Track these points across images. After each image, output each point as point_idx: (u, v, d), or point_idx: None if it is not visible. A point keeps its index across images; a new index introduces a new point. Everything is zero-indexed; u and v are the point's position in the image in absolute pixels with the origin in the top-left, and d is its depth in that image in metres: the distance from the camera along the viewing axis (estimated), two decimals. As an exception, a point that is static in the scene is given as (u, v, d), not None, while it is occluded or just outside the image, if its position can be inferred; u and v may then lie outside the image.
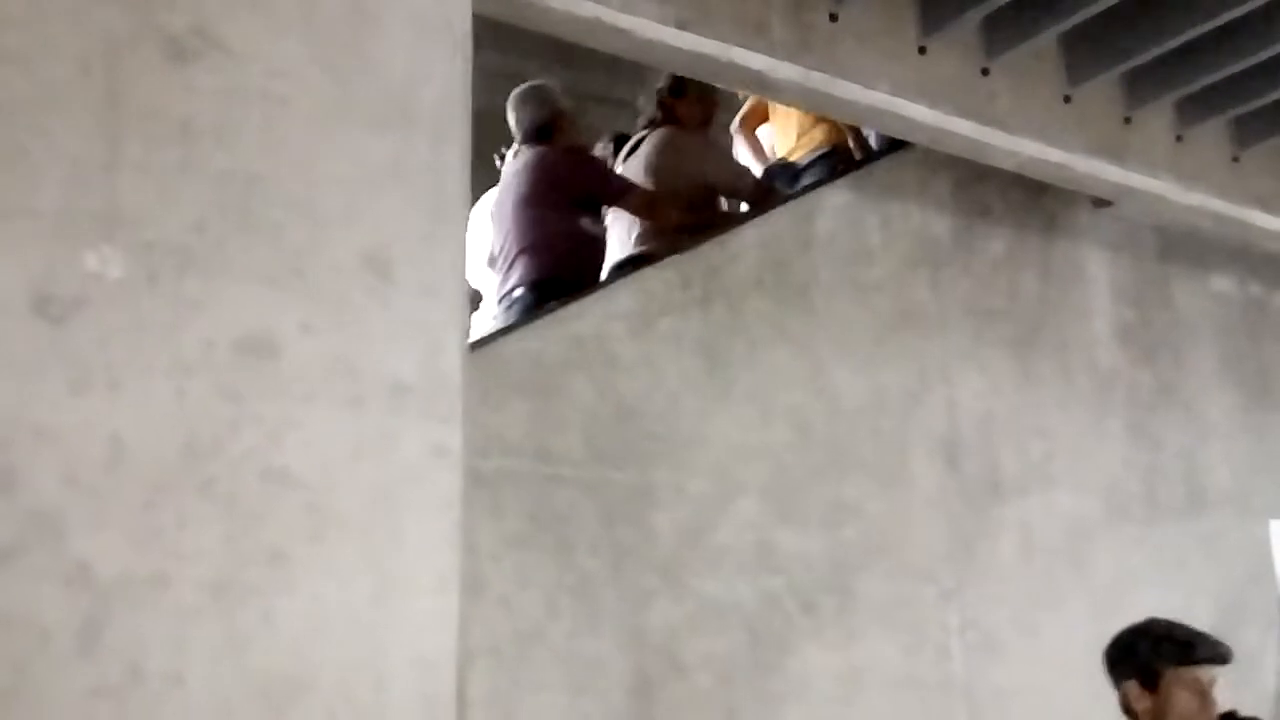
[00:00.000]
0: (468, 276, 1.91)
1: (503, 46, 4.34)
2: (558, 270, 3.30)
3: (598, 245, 3.51)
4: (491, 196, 3.69)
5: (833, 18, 3.03)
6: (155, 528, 1.61)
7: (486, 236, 3.58)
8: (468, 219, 1.94)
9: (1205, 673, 2.40)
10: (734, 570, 3.00)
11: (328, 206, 1.82)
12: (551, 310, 2.99)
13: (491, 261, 3.55)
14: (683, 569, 2.92)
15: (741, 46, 2.91)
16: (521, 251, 3.40)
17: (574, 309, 2.96)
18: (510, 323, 3.16)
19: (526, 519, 2.71)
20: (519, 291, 3.37)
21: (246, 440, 1.67)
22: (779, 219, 3.33)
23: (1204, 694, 2.39)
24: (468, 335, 1.90)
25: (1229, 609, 3.88)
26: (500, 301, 3.45)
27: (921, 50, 3.18)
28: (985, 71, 3.30)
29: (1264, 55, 3.34)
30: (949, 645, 3.35)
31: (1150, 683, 2.42)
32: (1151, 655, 2.44)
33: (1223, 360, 4.30)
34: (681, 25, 2.81)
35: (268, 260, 1.75)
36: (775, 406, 3.17)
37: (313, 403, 1.72)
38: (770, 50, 2.95)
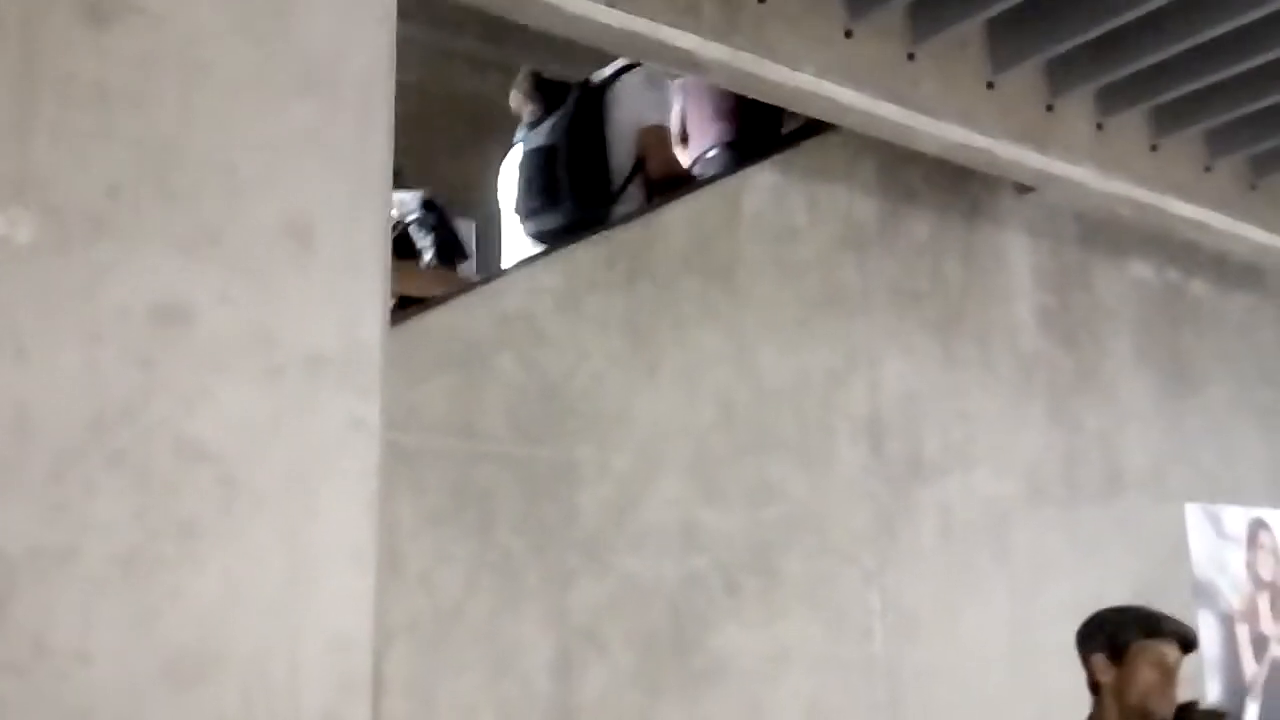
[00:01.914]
0: (388, 246, 1.89)
1: (434, 21, 4.30)
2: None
3: None
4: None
5: (761, 0, 3.04)
6: (63, 499, 1.57)
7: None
8: (390, 190, 1.91)
9: (1170, 650, 2.48)
10: (657, 549, 3.00)
11: (247, 174, 1.78)
12: (475, 285, 2.97)
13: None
14: (606, 547, 2.92)
15: (671, 25, 2.90)
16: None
17: (499, 284, 2.94)
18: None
19: (448, 495, 2.68)
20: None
21: (158, 410, 1.63)
22: (706, 198, 3.33)
23: (1167, 670, 2.48)
24: (388, 307, 1.87)
25: (1145, 591, 3.95)
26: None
27: (848, 34, 3.19)
28: (911, 56, 3.32)
29: (1183, 46, 3.40)
30: (871, 625, 3.39)
31: (1116, 655, 2.51)
32: (1119, 628, 2.52)
33: (1141, 345, 4.39)
34: (611, 2, 2.79)
35: (184, 227, 1.71)
36: (700, 385, 3.17)
37: (228, 373, 1.68)
38: (699, 30, 2.94)
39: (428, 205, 3.83)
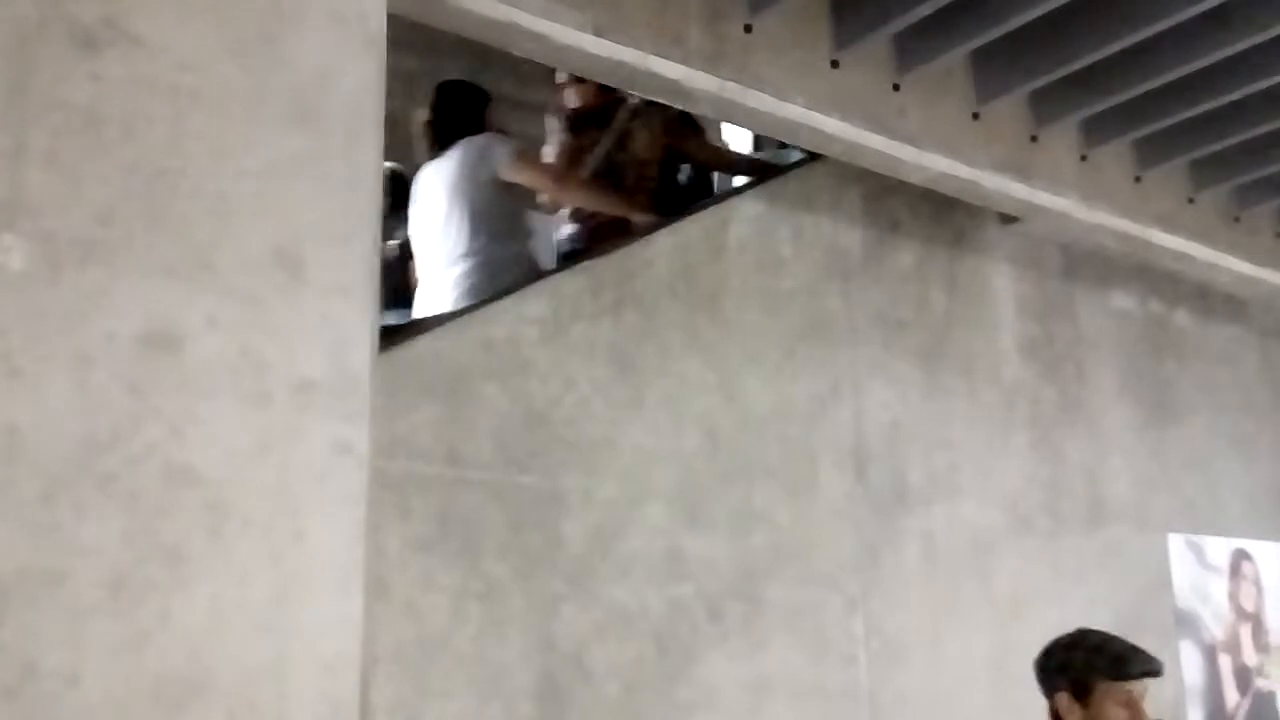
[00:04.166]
0: (377, 273, 1.90)
1: (420, 49, 4.33)
2: None
3: None
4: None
5: (747, 29, 3.07)
6: (52, 522, 1.57)
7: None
8: (380, 217, 1.93)
9: (1137, 686, 2.46)
10: (642, 577, 3.01)
11: (237, 200, 1.80)
12: (462, 313, 2.99)
13: None
14: (591, 575, 2.92)
15: (659, 55, 2.93)
16: None
17: (486, 313, 2.95)
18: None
19: (433, 522, 2.69)
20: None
21: (148, 435, 1.64)
22: (692, 227, 3.36)
23: (1134, 707, 2.44)
24: (377, 334, 1.88)
25: (1127, 620, 3.98)
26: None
27: (834, 64, 3.23)
28: (896, 87, 3.36)
29: (1167, 79, 3.45)
30: (854, 653, 3.40)
31: (1082, 694, 2.47)
32: (1085, 667, 2.48)
33: (1124, 376, 4.42)
34: (599, 32, 2.82)
35: (174, 253, 1.72)
36: (685, 414, 3.19)
37: (217, 398, 1.69)
38: (686, 60, 2.97)
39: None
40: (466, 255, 3.57)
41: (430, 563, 2.67)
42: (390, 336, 2.71)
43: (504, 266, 3.50)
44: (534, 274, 3.36)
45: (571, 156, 3.82)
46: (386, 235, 3.63)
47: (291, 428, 1.73)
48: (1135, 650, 2.51)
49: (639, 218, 3.63)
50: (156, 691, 1.61)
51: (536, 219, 3.92)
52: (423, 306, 3.60)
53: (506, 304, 2.97)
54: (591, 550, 2.94)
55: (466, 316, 2.95)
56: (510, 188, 3.63)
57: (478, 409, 2.82)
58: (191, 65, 1.83)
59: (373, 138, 1.93)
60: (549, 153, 3.92)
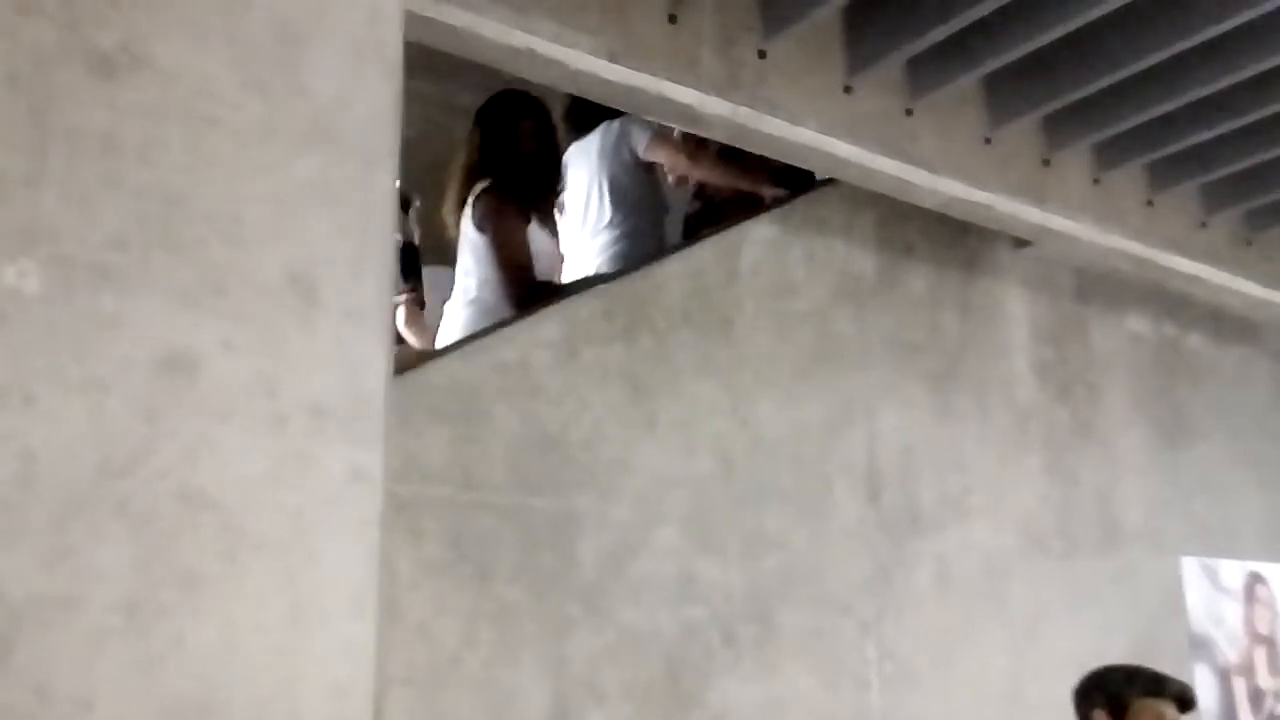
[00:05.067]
0: (392, 297, 1.91)
1: (437, 75, 4.35)
2: None
3: None
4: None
5: (761, 54, 3.08)
6: (67, 547, 1.58)
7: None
8: (394, 243, 1.94)
9: (1169, 709, 2.50)
10: (655, 600, 3.01)
11: (252, 226, 1.81)
12: (476, 337, 3.00)
13: None
14: (603, 598, 2.92)
15: (672, 81, 2.95)
16: None
17: (499, 336, 2.96)
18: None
19: (446, 546, 2.69)
20: None
21: (162, 459, 1.65)
22: (705, 251, 3.37)
23: None
24: (391, 358, 1.89)
25: (1141, 644, 3.96)
26: None
27: (847, 89, 3.24)
28: (909, 112, 3.37)
29: (1179, 103, 3.46)
30: (867, 676, 3.38)
31: (1118, 711, 2.52)
32: (1123, 685, 2.55)
33: (1137, 399, 4.41)
34: (613, 58, 2.84)
35: (189, 278, 1.73)
36: (698, 437, 3.19)
37: (231, 423, 1.70)
38: (700, 85, 2.99)
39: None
40: (610, 226, 3.90)
41: (442, 585, 2.67)
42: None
43: (643, 237, 3.85)
44: (668, 248, 3.63)
45: (699, 138, 3.88)
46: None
47: (305, 452, 1.74)
48: (1171, 678, 2.58)
49: (767, 190, 3.90)
50: (169, 715, 1.61)
51: (672, 195, 4.23)
52: (571, 271, 3.81)
53: (519, 328, 2.98)
54: (604, 573, 2.94)
55: (479, 340, 2.96)
56: (649, 166, 3.98)
57: (490, 432, 2.83)
58: (208, 92, 1.85)
59: (388, 164, 1.94)
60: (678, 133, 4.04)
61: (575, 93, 3.04)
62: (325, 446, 1.75)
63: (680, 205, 4.28)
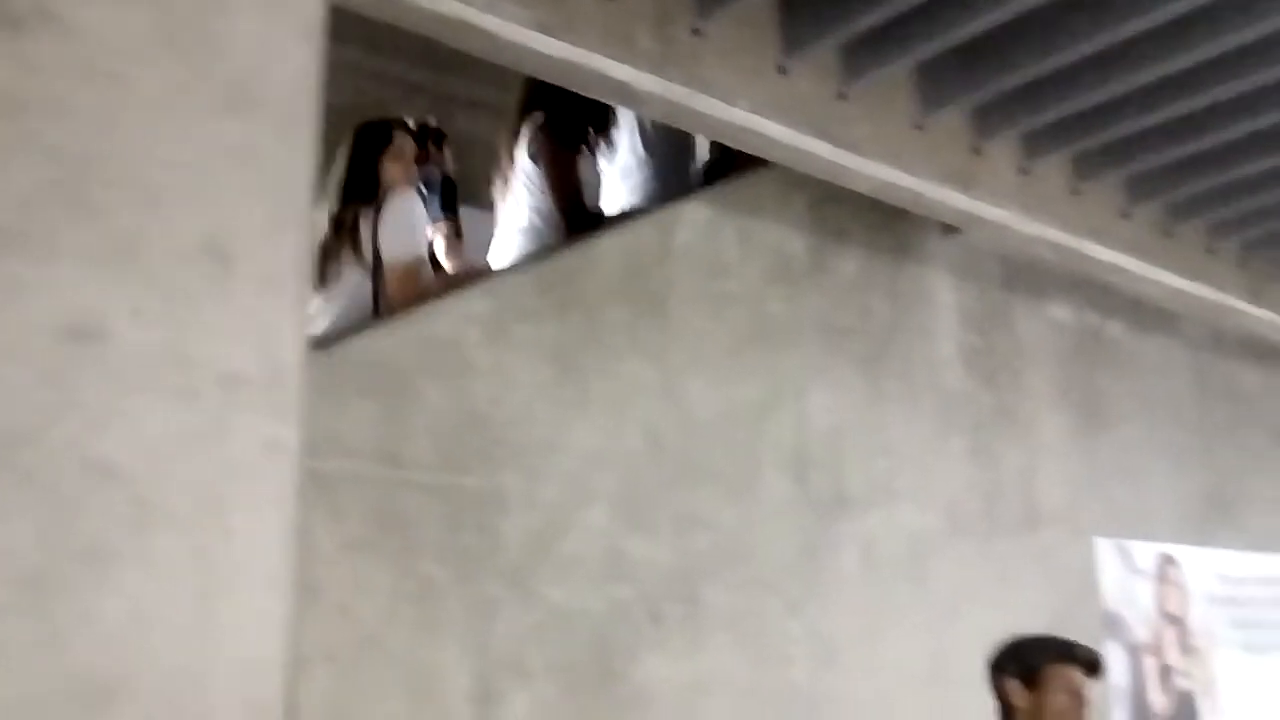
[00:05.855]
0: (309, 266, 1.87)
1: (368, 45, 4.28)
2: None
3: None
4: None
5: (695, 32, 3.06)
6: (-34, 519, 1.53)
7: None
8: (312, 210, 1.89)
9: (1080, 676, 2.56)
10: (582, 579, 3.00)
11: (166, 190, 1.75)
12: (403, 312, 2.96)
13: None
14: (531, 577, 2.90)
15: (606, 56, 2.92)
16: None
17: (427, 311, 2.92)
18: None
19: (368, 523, 2.65)
20: None
21: (68, 429, 1.59)
22: (639, 230, 3.35)
23: (1078, 695, 2.57)
24: (308, 328, 1.85)
25: (1057, 622, 4.00)
26: None
27: (781, 70, 3.23)
28: (842, 95, 3.37)
29: (1105, 95, 3.49)
30: (793, 654, 3.40)
31: (1030, 680, 2.58)
32: (1034, 653, 2.60)
33: (1059, 385, 4.48)
34: (547, 30, 2.80)
35: (99, 243, 1.67)
36: (628, 416, 3.18)
37: (140, 392, 1.65)
38: (634, 61, 2.96)
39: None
40: (642, 166, 3.95)
41: (364, 564, 2.63)
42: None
43: (672, 179, 3.87)
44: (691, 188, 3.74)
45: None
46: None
47: (218, 423, 1.70)
48: (1080, 644, 2.69)
49: None
50: (74, 692, 1.56)
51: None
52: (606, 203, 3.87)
53: (448, 303, 2.94)
54: (532, 552, 2.92)
55: (407, 315, 2.92)
56: None
57: (417, 408, 2.79)
58: (122, 51, 1.78)
59: (308, 129, 1.89)
60: None
61: (507, 65, 2.99)
62: (239, 418, 1.71)
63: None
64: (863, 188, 3.59)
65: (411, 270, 3.20)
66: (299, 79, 1.89)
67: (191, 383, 1.68)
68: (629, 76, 2.97)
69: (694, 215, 3.47)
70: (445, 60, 3.51)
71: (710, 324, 3.42)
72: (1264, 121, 3.66)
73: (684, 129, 3.33)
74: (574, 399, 3.07)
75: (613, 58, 2.92)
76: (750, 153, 3.50)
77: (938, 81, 3.51)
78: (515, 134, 3.69)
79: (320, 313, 3.20)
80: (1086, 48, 3.23)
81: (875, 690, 3.56)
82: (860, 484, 3.70)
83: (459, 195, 3.94)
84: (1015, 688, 2.62)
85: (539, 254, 3.34)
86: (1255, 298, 4.74)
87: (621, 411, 3.16)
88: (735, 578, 3.31)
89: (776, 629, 3.38)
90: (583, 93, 3.41)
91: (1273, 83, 3.43)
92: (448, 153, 3.92)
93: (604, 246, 3.26)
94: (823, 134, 3.32)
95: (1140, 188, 4.18)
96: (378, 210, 3.27)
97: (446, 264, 3.89)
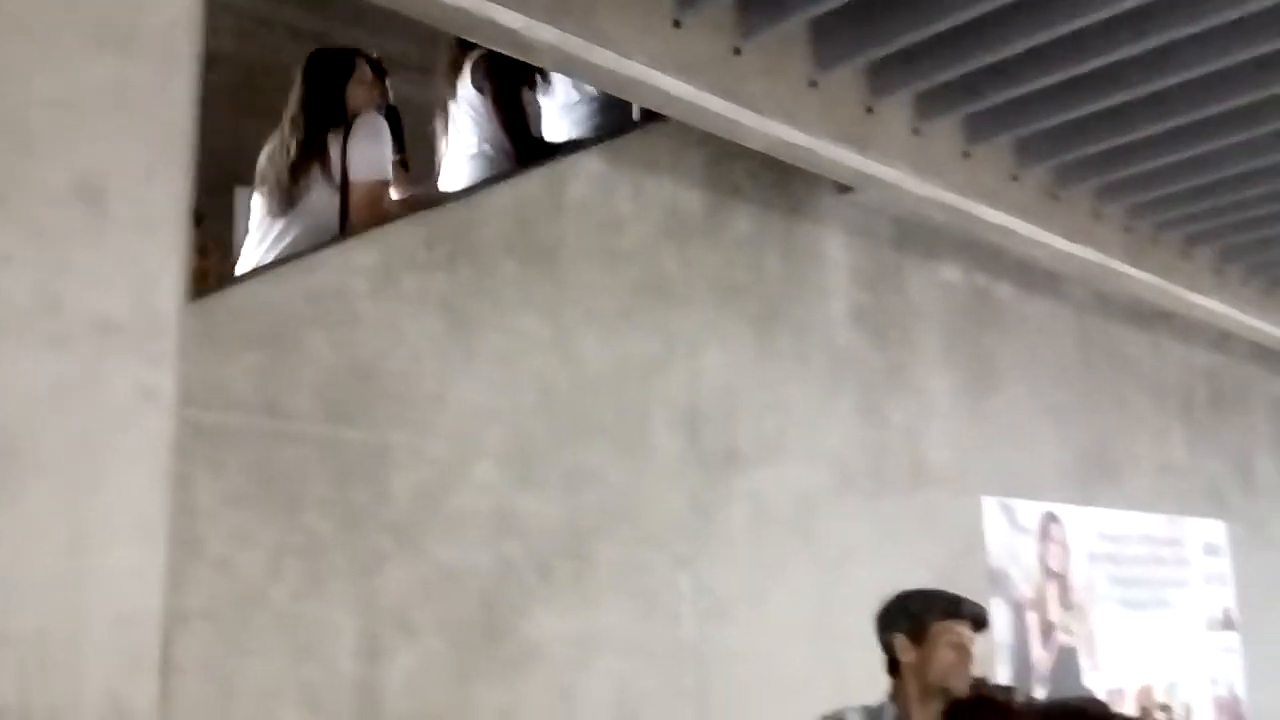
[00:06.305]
0: (187, 212, 1.81)
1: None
2: None
3: None
4: None
5: (591, -17, 3.03)
6: None
7: None
8: (192, 153, 1.83)
9: (966, 631, 2.62)
10: (471, 534, 2.98)
11: (37, 129, 1.68)
12: (288, 260, 2.89)
13: None
14: (418, 532, 2.88)
15: (499, 4, 2.86)
16: None
17: (311, 260, 2.86)
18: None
19: (251, 476, 2.60)
20: None
21: (-70, 376, 1.53)
22: (531, 182, 3.32)
23: (963, 650, 2.63)
24: (185, 274, 1.80)
25: (943, 578, 4.07)
26: None
27: (676, 24, 3.21)
28: (737, 51, 3.36)
29: (996, 57, 3.53)
30: (681, 610, 3.43)
31: (917, 635, 2.63)
32: (921, 608, 2.65)
33: (947, 345, 4.56)
34: (436, -25, 2.74)
35: (-37, 182, 1.61)
36: (519, 371, 3.16)
37: (10, 338, 1.59)
38: (528, 10, 2.91)
39: None
40: (585, 100, 3.91)
41: (246, 518, 2.58)
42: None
43: (619, 109, 3.81)
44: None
45: None
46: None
47: (91, 371, 1.64)
48: (966, 599, 2.73)
49: None
50: (-64, 647, 1.51)
51: None
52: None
53: (334, 251, 2.89)
54: (419, 507, 2.89)
55: (291, 264, 2.85)
56: None
57: (301, 360, 2.74)
58: (-12, -19, 1.70)
59: (186, 72, 1.83)
60: None
61: (397, 10, 2.92)
62: (112, 365, 1.66)
63: None
64: (758, 145, 3.59)
65: (377, 190, 3.28)
66: (178, 19, 1.82)
67: (63, 329, 1.63)
68: (521, 25, 2.92)
69: (587, 169, 3.45)
70: (335, 7, 3.42)
71: (603, 279, 3.41)
72: (1152, 86, 3.73)
73: (580, 81, 3.29)
74: (463, 352, 3.04)
75: (506, 5, 2.87)
76: (646, 107, 3.49)
77: (832, 39, 3.51)
78: (455, 66, 3.77)
79: (284, 232, 3.24)
80: (978, 9, 3.26)
81: (762, 645, 3.62)
82: (750, 441, 3.73)
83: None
84: (903, 642, 2.68)
85: (438, 198, 3.27)
86: (1138, 261, 4.86)
87: (512, 366, 3.14)
88: (625, 534, 3.32)
89: (666, 585, 3.41)
90: (473, 40, 3.36)
91: (1162, 46, 3.49)
92: (388, 84, 3.86)
93: (495, 199, 3.22)
94: (718, 90, 3.31)
95: (1029, 151, 4.25)
96: (346, 132, 3.33)
97: (395, 193, 3.85)
